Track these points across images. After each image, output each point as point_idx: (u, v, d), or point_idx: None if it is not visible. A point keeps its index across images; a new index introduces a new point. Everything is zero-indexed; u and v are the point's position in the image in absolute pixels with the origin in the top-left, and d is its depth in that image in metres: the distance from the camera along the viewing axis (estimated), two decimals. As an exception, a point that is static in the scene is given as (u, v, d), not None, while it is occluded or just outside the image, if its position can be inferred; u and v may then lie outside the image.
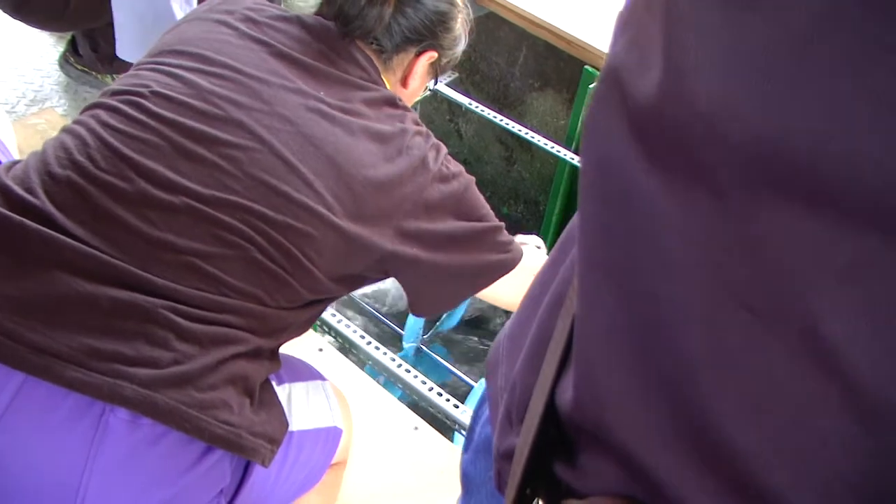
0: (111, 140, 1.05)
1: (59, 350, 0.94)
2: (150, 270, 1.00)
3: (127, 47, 2.02)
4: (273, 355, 1.15)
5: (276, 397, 1.15)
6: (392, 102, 1.21)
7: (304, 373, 1.32)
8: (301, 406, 1.22)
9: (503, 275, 1.24)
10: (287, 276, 1.08)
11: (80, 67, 2.42)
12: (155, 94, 1.09)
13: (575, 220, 0.61)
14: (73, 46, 2.40)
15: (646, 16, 0.40)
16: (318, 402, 1.28)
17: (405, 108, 1.22)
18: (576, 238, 0.48)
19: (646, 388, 0.43)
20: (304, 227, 1.07)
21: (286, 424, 1.12)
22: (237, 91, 1.11)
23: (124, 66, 2.25)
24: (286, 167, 1.07)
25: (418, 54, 1.30)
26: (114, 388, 0.94)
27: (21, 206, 1.00)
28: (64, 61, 2.43)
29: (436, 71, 1.37)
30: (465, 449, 0.79)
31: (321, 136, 1.10)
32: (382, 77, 1.26)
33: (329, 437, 1.27)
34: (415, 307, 1.29)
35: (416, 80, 1.33)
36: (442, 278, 1.22)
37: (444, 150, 1.21)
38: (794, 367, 0.36)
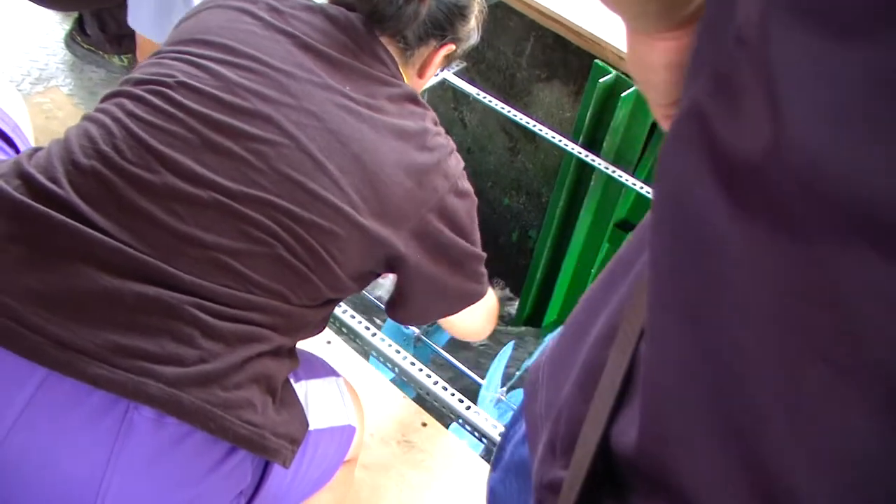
0: (137, 131, 1.03)
1: (84, 346, 0.92)
2: (177, 266, 0.98)
3: (139, 18, 1.99)
4: (292, 354, 1.14)
5: (296, 396, 1.14)
6: (414, 99, 1.21)
7: (320, 369, 1.32)
8: (317, 404, 1.22)
9: (473, 304, 1.28)
10: (311, 274, 1.07)
11: (86, 46, 2.39)
12: (181, 84, 1.07)
13: (628, 245, 0.61)
14: (80, 25, 2.38)
15: (736, 52, 0.39)
16: (333, 400, 1.28)
17: (425, 107, 1.22)
18: (643, 276, 0.48)
19: (715, 436, 0.42)
20: (330, 224, 1.06)
21: (306, 424, 1.11)
22: (265, 84, 1.09)
23: (132, 47, 2.23)
24: (313, 164, 1.06)
25: (437, 47, 1.30)
26: (139, 385, 0.92)
27: (45, 195, 0.98)
28: (70, 40, 2.40)
29: (448, 61, 1.38)
30: (494, 466, 0.78)
31: (348, 133, 1.09)
32: (402, 71, 1.25)
33: (343, 436, 1.27)
34: (394, 310, 1.31)
35: (432, 71, 1.34)
36: (430, 290, 1.23)
37: (462, 163, 1.23)
38: (873, 427, 0.35)
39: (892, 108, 0.31)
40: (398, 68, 1.24)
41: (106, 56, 2.40)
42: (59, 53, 2.42)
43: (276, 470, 1.09)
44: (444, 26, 1.28)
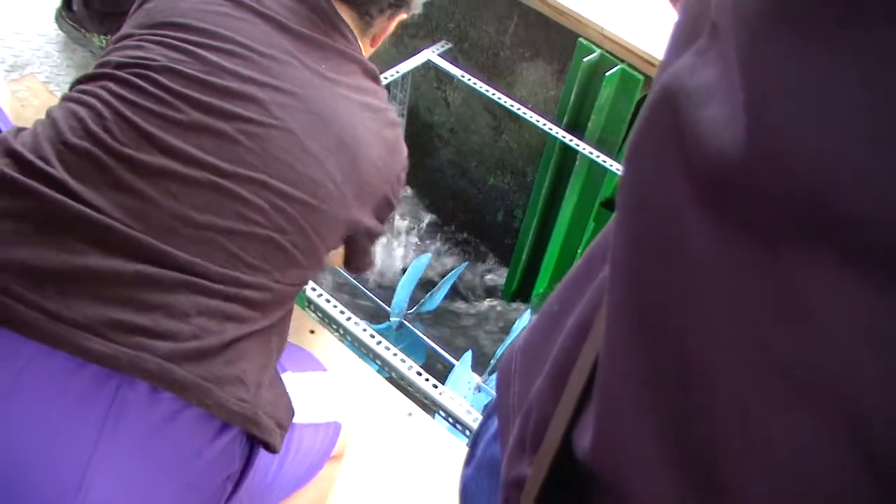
0: (128, 113, 1.03)
1: (77, 320, 0.91)
2: (171, 244, 0.98)
3: None
4: (276, 335, 1.13)
5: (282, 382, 1.13)
6: (375, 76, 1.26)
7: (307, 363, 1.32)
8: (303, 399, 1.21)
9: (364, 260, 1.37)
10: (298, 254, 1.09)
11: (70, 23, 2.37)
12: (166, 69, 1.08)
13: (602, 236, 0.59)
14: (67, 1, 2.36)
15: (723, 22, 0.36)
16: (320, 395, 1.27)
17: (380, 83, 1.28)
18: (607, 276, 0.46)
19: (670, 450, 0.41)
20: (320, 204, 1.09)
21: (292, 411, 1.11)
22: (248, 67, 1.11)
23: (114, 26, 2.19)
24: (300, 145, 1.08)
25: (391, 17, 1.34)
26: (134, 359, 0.91)
27: (35, 173, 0.97)
28: (59, 16, 2.39)
29: (396, 29, 1.42)
30: (468, 462, 0.77)
31: (329, 114, 1.12)
32: (360, 42, 1.29)
33: (329, 433, 1.26)
34: (349, 267, 1.37)
35: (384, 38, 1.39)
36: (371, 241, 1.31)
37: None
38: (828, 449, 0.34)
39: (876, 111, 0.30)
40: (358, 42, 1.27)
41: (88, 34, 2.37)
42: (33, 40, 2.38)
43: (262, 459, 1.08)
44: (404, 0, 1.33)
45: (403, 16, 1.36)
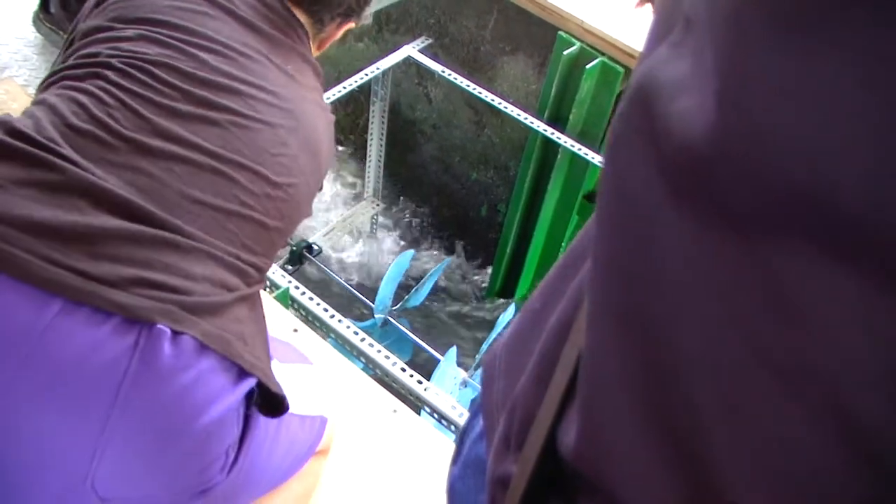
0: (128, 100, 1.07)
1: (104, 276, 0.94)
2: (182, 219, 1.02)
3: None
4: (259, 306, 1.17)
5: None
6: (320, 74, 1.32)
7: (293, 355, 1.33)
8: (290, 390, 1.21)
9: None
10: (278, 240, 1.16)
11: (48, 26, 2.36)
12: (160, 62, 1.11)
13: (583, 233, 0.59)
14: (44, 3, 2.35)
15: (697, 14, 0.36)
16: (306, 388, 1.28)
17: (322, 82, 1.34)
18: (587, 275, 0.46)
19: (654, 446, 0.41)
20: (295, 196, 1.15)
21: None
22: (230, 65, 1.15)
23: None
24: (280, 140, 1.14)
25: (341, 24, 1.38)
26: (164, 311, 0.95)
27: (44, 149, 0.99)
28: (36, 19, 2.38)
29: (344, 39, 1.49)
30: (454, 461, 0.77)
31: (298, 113, 1.18)
32: (311, 44, 1.33)
33: (315, 426, 1.27)
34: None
35: (331, 43, 1.43)
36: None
37: None
38: (814, 439, 0.34)
39: (854, 97, 0.30)
40: (310, 41, 1.32)
41: (65, 36, 2.36)
42: (11, 43, 2.36)
43: (255, 434, 1.09)
44: (355, 10, 1.38)
45: (351, 25, 1.41)
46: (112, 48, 1.13)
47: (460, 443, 0.76)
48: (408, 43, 2.74)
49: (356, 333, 1.68)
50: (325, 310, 1.72)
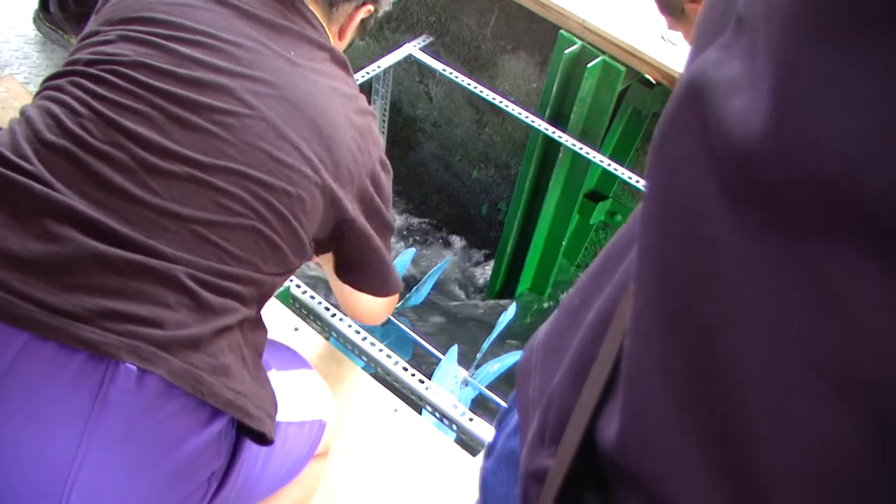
0: (103, 109, 1.03)
1: (70, 310, 0.91)
2: (157, 239, 0.99)
3: None
4: (254, 329, 1.13)
5: (266, 376, 1.13)
6: (345, 65, 1.26)
7: (292, 361, 1.32)
8: (288, 397, 1.21)
9: (386, 278, 1.37)
10: (281, 242, 1.09)
11: (48, 25, 2.36)
12: (137, 63, 1.07)
13: (623, 231, 0.59)
14: (44, 2, 2.35)
15: (752, 15, 0.36)
16: (304, 393, 1.27)
17: (350, 72, 1.28)
18: (632, 269, 0.46)
19: (699, 443, 0.41)
20: (298, 191, 1.09)
21: (276, 406, 1.11)
22: (218, 57, 1.11)
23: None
24: (275, 132, 1.09)
25: (357, 7, 1.34)
26: (131, 347, 0.92)
27: (16, 170, 0.97)
28: (37, 17, 2.38)
29: (365, 25, 1.41)
30: (488, 455, 0.77)
31: (302, 98, 1.13)
32: (328, 32, 1.29)
33: (313, 430, 1.26)
34: (343, 273, 1.36)
35: (352, 32, 1.37)
36: (368, 251, 1.29)
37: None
38: (863, 443, 0.33)
39: None
40: (325, 29, 1.27)
41: (65, 36, 2.36)
42: (12, 41, 2.36)
43: (246, 456, 1.07)
44: None
45: (370, 7, 1.35)
46: (92, 53, 1.11)
47: (494, 438, 0.76)
48: (409, 41, 2.73)
49: (357, 332, 1.68)
50: (327, 308, 1.71)
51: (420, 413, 1.64)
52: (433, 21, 2.92)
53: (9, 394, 0.90)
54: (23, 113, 1.07)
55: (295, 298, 1.74)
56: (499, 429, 0.75)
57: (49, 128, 1.01)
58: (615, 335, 0.50)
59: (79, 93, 1.05)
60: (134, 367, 0.92)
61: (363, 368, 1.68)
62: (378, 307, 1.43)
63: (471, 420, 1.57)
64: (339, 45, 1.36)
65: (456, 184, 3.34)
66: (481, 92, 2.51)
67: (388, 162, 1.29)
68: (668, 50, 2.31)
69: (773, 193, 0.34)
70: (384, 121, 2.80)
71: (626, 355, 0.46)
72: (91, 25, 1.19)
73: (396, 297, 1.44)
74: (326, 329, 1.72)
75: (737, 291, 0.37)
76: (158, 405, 0.94)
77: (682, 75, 0.41)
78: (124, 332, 0.92)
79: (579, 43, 2.44)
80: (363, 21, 1.37)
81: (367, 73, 2.53)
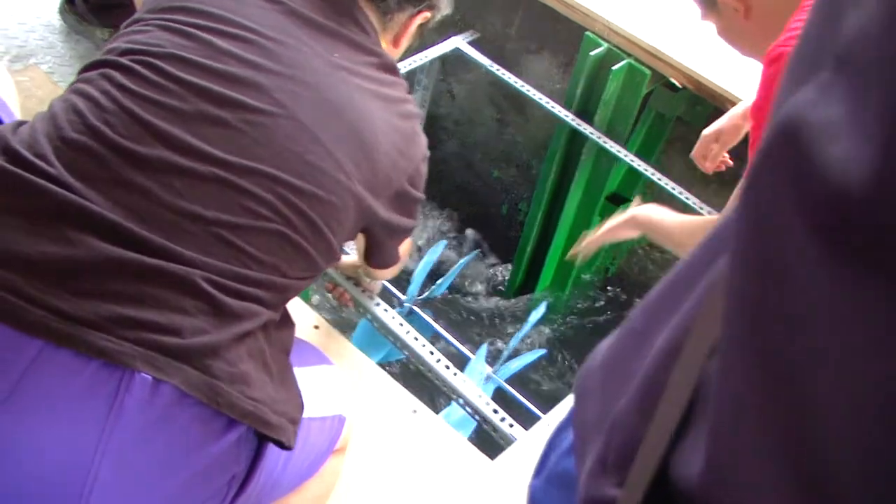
0: (128, 104, 1.01)
1: (85, 317, 0.89)
2: (176, 242, 0.96)
3: None
4: (280, 328, 1.12)
5: (293, 376, 1.12)
6: (392, 69, 1.24)
7: (312, 357, 1.31)
8: (309, 393, 1.20)
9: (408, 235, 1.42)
10: (308, 247, 1.07)
11: (73, 16, 2.38)
12: (170, 55, 1.05)
13: (693, 261, 0.58)
14: None
15: (859, 58, 0.36)
16: (325, 389, 1.27)
17: (400, 76, 1.26)
18: (722, 311, 0.45)
19: (789, 487, 0.40)
20: (328, 195, 1.07)
21: (302, 406, 1.10)
22: (256, 53, 1.08)
23: (115, 19, 2.19)
24: (309, 135, 1.06)
25: (413, 14, 1.31)
26: (145, 357, 0.90)
27: (34, 171, 0.95)
28: (62, 8, 2.39)
29: (422, 31, 1.39)
30: (537, 473, 0.77)
31: (341, 102, 1.10)
32: (380, 38, 1.26)
33: (334, 425, 1.26)
34: (370, 259, 1.43)
35: (408, 40, 1.35)
36: (393, 235, 1.33)
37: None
38: None
39: None
40: (377, 36, 1.25)
41: (90, 27, 2.37)
42: (38, 30, 2.37)
43: (269, 456, 1.07)
44: None
45: (427, 15, 1.33)
46: (129, 42, 1.09)
47: (545, 456, 0.75)
48: (454, 35, 2.76)
49: (393, 318, 1.71)
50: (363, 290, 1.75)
51: (438, 413, 1.64)
52: (458, 19, 2.92)
53: (23, 402, 0.89)
54: (50, 107, 1.05)
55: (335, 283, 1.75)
56: (550, 447, 0.74)
57: (72, 124, 1.00)
58: (688, 364, 0.49)
59: (107, 86, 1.03)
60: (149, 377, 0.91)
61: (384, 356, 1.69)
62: (397, 266, 1.53)
63: (495, 412, 1.58)
64: (395, 53, 1.34)
65: (476, 182, 3.33)
66: (527, 90, 2.54)
67: (428, 153, 1.30)
68: (694, 53, 2.30)
69: (874, 241, 0.34)
70: (423, 110, 2.84)
71: (712, 391, 0.46)
72: (138, 12, 1.17)
73: (409, 241, 1.49)
74: (370, 317, 1.74)
75: (829, 337, 0.36)
76: (174, 414, 0.93)
77: (777, 113, 0.40)
78: (139, 341, 0.91)
79: (605, 45, 2.43)
80: (420, 27, 1.35)
81: (413, 62, 2.57)
